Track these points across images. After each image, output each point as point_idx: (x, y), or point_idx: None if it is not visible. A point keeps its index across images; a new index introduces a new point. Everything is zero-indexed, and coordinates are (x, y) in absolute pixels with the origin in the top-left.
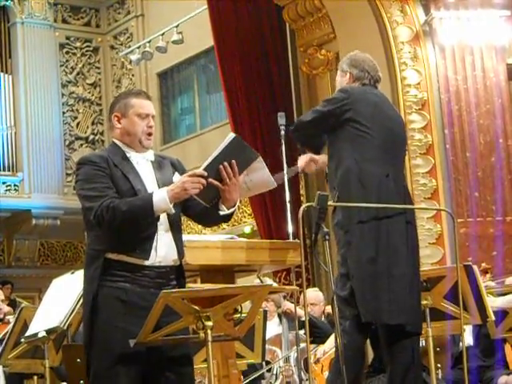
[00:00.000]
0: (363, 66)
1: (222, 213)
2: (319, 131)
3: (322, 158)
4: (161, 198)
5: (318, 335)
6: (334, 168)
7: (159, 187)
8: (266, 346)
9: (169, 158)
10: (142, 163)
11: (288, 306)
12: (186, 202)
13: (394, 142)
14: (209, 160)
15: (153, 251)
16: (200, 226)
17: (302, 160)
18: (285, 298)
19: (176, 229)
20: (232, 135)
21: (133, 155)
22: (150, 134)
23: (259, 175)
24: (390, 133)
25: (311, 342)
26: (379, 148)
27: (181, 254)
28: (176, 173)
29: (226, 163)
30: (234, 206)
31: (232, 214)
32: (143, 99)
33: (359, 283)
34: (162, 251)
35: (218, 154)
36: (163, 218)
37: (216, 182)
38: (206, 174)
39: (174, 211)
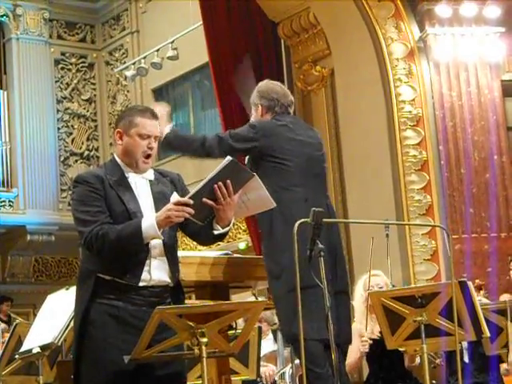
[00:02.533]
0: (271, 95)
1: (215, 232)
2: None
3: None
4: (149, 225)
5: None
6: None
7: (156, 209)
8: (261, 363)
9: (169, 175)
10: (140, 184)
11: None
12: (183, 221)
13: (310, 165)
14: (204, 182)
15: (145, 274)
16: (195, 242)
17: None
18: None
19: (171, 251)
20: (228, 158)
21: (131, 175)
22: (148, 157)
23: (256, 194)
24: (306, 157)
25: None
26: (296, 175)
27: (175, 275)
28: (174, 192)
29: (220, 183)
30: (229, 224)
31: (226, 233)
32: (148, 119)
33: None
34: (155, 274)
35: (213, 175)
36: (157, 241)
37: (210, 202)
38: (191, 202)
39: (162, 238)
